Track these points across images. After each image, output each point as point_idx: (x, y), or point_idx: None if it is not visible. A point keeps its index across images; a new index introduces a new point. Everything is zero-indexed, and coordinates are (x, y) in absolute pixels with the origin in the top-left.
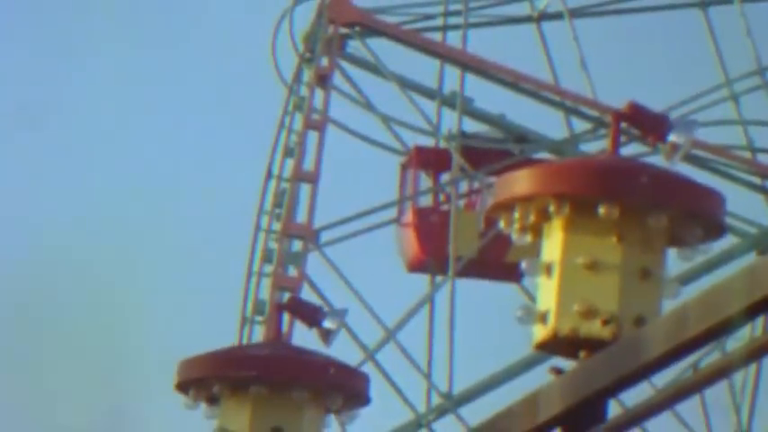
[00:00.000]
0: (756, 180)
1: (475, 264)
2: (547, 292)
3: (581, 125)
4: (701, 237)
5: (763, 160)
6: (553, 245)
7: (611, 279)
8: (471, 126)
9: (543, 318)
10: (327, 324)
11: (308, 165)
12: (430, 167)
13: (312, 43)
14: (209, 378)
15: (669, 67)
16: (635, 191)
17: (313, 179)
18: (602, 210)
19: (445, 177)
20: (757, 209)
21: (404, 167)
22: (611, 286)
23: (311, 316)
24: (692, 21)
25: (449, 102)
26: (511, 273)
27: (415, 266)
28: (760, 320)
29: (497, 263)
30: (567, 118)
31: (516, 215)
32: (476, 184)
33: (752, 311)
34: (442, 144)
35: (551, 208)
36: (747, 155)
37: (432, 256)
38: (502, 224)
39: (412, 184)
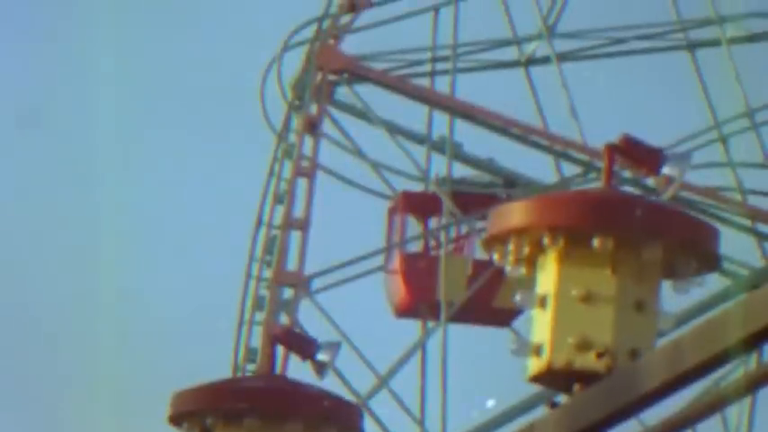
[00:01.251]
0: (747, 222)
1: (463, 309)
2: (541, 325)
3: (571, 169)
4: (696, 269)
5: (754, 202)
6: (547, 277)
7: (605, 311)
8: (460, 171)
9: (538, 350)
10: (321, 357)
11: (298, 212)
12: (417, 212)
13: (301, 90)
14: (202, 410)
15: (658, 109)
16: (629, 223)
17: (303, 226)
18: (596, 242)
19: (434, 222)
20: (748, 251)
21: (391, 212)
22: (605, 319)
23: (305, 348)
24: (681, 63)
25: (438, 147)
26: (500, 317)
27: (403, 312)
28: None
29: (486, 307)
30: (556, 162)
31: (510, 247)
32: (463, 229)
33: (747, 344)
34: (432, 189)
35: (546, 240)
36: (737, 197)
37: (420, 302)
38: (496, 256)
39: (399, 229)
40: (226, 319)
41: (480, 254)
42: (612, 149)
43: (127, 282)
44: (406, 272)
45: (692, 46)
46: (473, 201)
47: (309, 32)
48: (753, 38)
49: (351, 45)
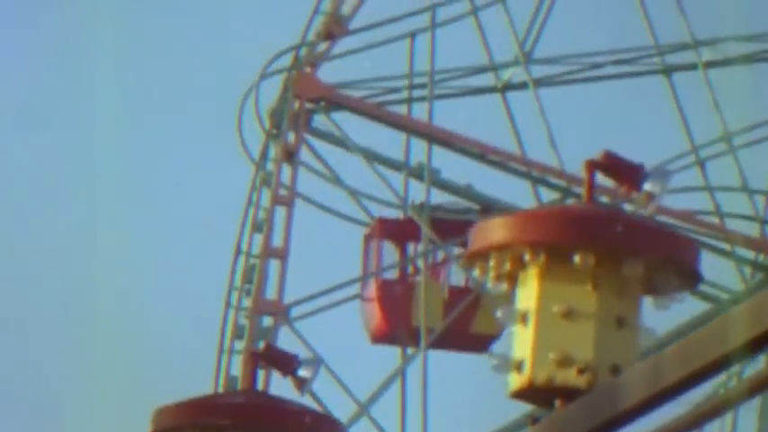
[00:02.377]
0: (725, 246)
1: (441, 335)
2: (522, 341)
3: (549, 194)
4: (677, 285)
5: (732, 226)
6: (528, 293)
7: (586, 327)
8: (437, 197)
9: (519, 366)
10: (302, 373)
11: (277, 240)
12: (393, 238)
13: (278, 119)
14: (183, 426)
15: (636, 133)
16: (610, 239)
17: (282, 255)
18: (577, 258)
19: (411, 248)
20: (727, 275)
21: (367, 239)
22: (586, 335)
23: (286, 364)
24: (658, 87)
25: (416, 173)
26: (477, 343)
27: (379, 338)
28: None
29: (464, 334)
30: (534, 188)
31: (491, 264)
32: (439, 256)
33: (728, 360)
34: (412, 216)
35: (526, 256)
36: (715, 220)
37: (396, 328)
38: (477, 272)
39: (375, 256)
40: (205, 346)
41: (456, 280)
42: (593, 165)
43: (126, 283)
44: (382, 298)
45: (669, 70)
46: (450, 227)
47: (286, 61)
48: (729, 61)
49: (328, 72)
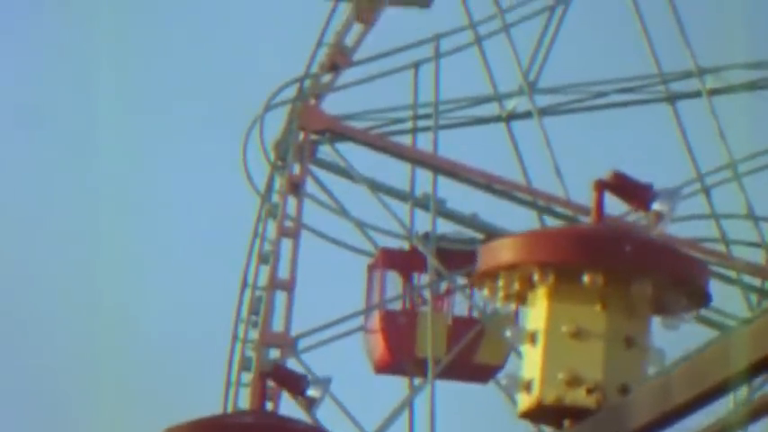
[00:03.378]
0: (732, 273)
1: (446, 366)
2: (531, 361)
3: (555, 224)
4: (686, 305)
5: (738, 253)
6: (537, 313)
7: (595, 347)
8: (442, 226)
9: (528, 386)
10: (311, 393)
11: (283, 272)
12: (396, 268)
13: (283, 151)
14: None
15: (640, 161)
16: (619, 259)
17: (288, 287)
18: (586, 278)
19: (419, 279)
20: (734, 302)
21: (370, 269)
22: (595, 354)
23: (295, 384)
24: (662, 115)
25: (421, 204)
26: (481, 374)
27: (383, 369)
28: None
29: (468, 364)
30: (540, 217)
31: (500, 283)
32: (442, 286)
33: (737, 379)
34: (418, 247)
35: (535, 276)
36: (722, 248)
37: (399, 359)
38: (486, 293)
39: (379, 286)
40: (212, 379)
41: (460, 310)
42: (602, 185)
43: (125, 285)
44: (385, 329)
45: (673, 98)
46: (453, 257)
47: (291, 92)
48: (732, 89)
49: (332, 103)
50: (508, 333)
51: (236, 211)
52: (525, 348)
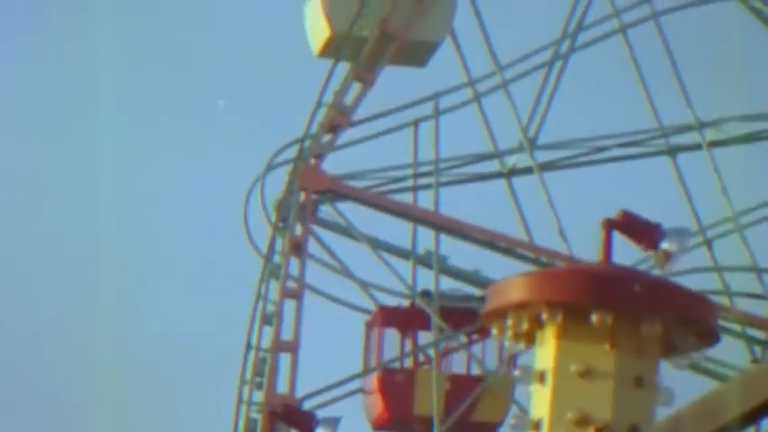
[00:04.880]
0: (736, 326)
1: (443, 423)
2: (540, 400)
3: None
4: (695, 344)
5: (740, 305)
6: (546, 352)
7: (604, 387)
8: (446, 283)
9: (537, 426)
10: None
11: (287, 333)
12: (394, 326)
13: (284, 211)
14: None
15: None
16: (628, 298)
17: (292, 348)
18: (595, 317)
19: (414, 336)
20: (738, 354)
21: (369, 326)
22: (604, 394)
23: (304, 423)
24: (662, 168)
25: (423, 261)
26: (480, 431)
27: (381, 426)
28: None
29: (466, 422)
30: None
31: (509, 322)
32: (440, 344)
33: (745, 419)
34: (422, 305)
35: (544, 315)
36: (725, 300)
37: (397, 417)
38: (495, 331)
39: (377, 344)
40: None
41: (457, 368)
42: (610, 224)
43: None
44: (383, 386)
45: (673, 151)
46: (451, 315)
47: (291, 153)
48: (731, 141)
49: (333, 163)
50: (517, 372)
51: (238, 272)
52: (534, 388)
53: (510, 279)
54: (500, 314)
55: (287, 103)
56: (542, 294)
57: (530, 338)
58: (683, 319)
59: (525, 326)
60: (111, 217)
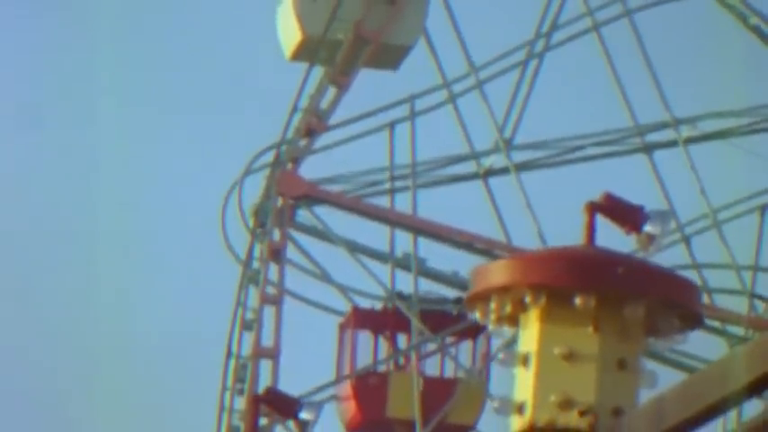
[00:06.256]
0: (716, 324)
1: (415, 425)
2: (524, 383)
3: None
4: (678, 326)
5: (720, 301)
6: (530, 335)
7: (588, 370)
8: (425, 285)
9: (520, 408)
10: (304, 415)
11: (267, 339)
12: (368, 328)
13: (262, 217)
14: None
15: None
16: (611, 281)
17: (273, 354)
18: (578, 300)
19: (393, 338)
20: (718, 351)
21: (342, 328)
22: (588, 377)
23: (288, 407)
24: (639, 166)
25: (402, 264)
26: None
27: (354, 429)
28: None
29: (439, 424)
30: None
31: (492, 306)
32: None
33: (729, 401)
34: (401, 308)
35: (528, 298)
36: (704, 298)
37: (370, 419)
38: (478, 315)
39: (350, 345)
40: None
41: (431, 370)
42: (593, 207)
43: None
44: (356, 389)
45: (650, 148)
46: (430, 317)
47: (268, 158)
48: (707, 137)
49: (310, 166)
50: (501, 356)
51: (215, 278)
52: (518, 371)
53: (493, 263)
54: (483, 298)
55: (266, 107)
56: (525, 277)
57: (513, 321)
58: (667, 302)
59: (508, 309)
60: (110, 216)
